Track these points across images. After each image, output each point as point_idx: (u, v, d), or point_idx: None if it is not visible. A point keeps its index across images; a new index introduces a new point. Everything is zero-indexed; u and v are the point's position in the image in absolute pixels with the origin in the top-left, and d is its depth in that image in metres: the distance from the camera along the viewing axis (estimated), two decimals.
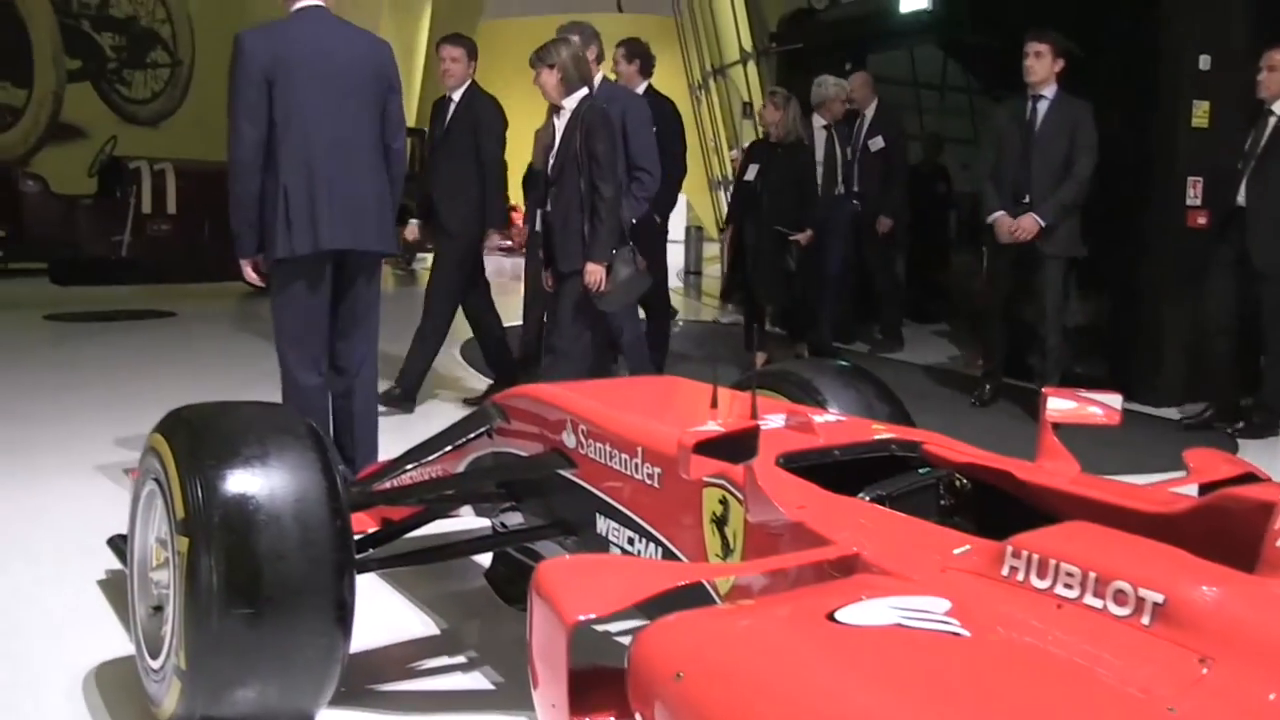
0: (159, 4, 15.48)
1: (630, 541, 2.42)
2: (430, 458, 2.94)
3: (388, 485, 2.95)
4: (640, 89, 6.60)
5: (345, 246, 4.11)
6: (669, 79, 22.75)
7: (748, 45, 12.64)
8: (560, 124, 4.78)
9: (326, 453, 2.45)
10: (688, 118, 19.85)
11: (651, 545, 2.36)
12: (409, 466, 2.93)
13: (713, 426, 1.87)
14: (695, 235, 17.01)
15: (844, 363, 3.49)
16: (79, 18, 14.55)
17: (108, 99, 14.98)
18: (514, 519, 2.90)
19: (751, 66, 12.47)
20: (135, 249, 10.99)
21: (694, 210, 25.88)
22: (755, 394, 2.15)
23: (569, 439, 2.62)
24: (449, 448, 2.92)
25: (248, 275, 4.25)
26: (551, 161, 4.80)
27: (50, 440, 5.43)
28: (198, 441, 2.38)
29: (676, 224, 23.42)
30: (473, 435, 2.91)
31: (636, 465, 2.38)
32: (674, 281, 16.03)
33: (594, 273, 4.67)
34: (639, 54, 6.73)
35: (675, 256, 19.20)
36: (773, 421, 2.37)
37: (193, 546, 2.24)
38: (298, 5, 4.11)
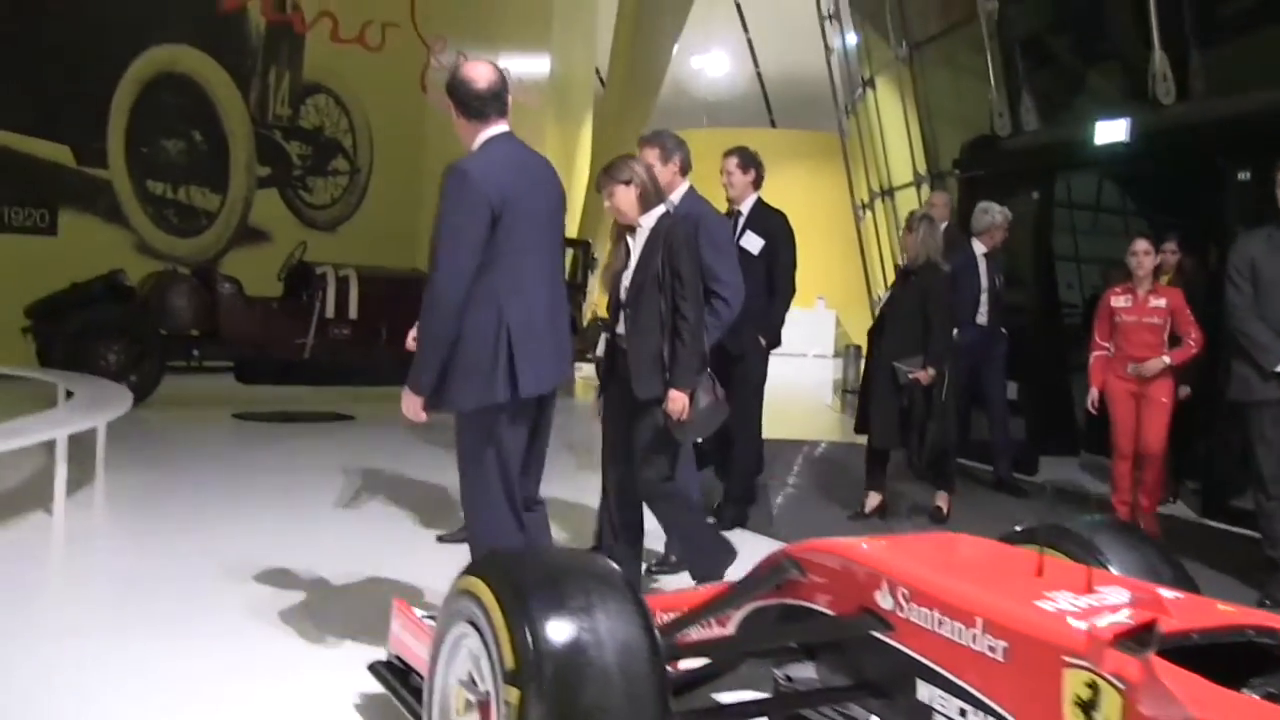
0: (343, 114, 16.13)
1: (962, 713, 2.33)
2: (721, 609, 2.89)
3: (690, 637, 2.91)
4: (750, 201, 6.33)
5: (562, 380, 4.00)
6: (825, 193, 23.02)
7: (921, 168, 12.61)
8: (637, 243, 4.48)
9: (643, 603, 2.42)
10: (848, 237, 19.99)
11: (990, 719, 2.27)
12: (703, 616, 2.89)
13: (1116, 618, 1.78)
14: (853, 354, 16.86)
15: (1113, 520, 3.37)
16: (273, 128, 15.23)
17: (291, 204, 15.59)
18: (802, 672, 2.83)
19: (926, 190, 12.43)
20: (317, 351, 11.33)
21: (842, 327, 25.94)
22: (1043, 554, 2.06)
23: (884, 600, 2.54)
24: (742, 600, 2.87)
25: (415, 413, 3.80)
26: (627, 283, 4.48)
27: (238, 544, 5.56)
28: (523, 589, 2.37)
29: (822, 339, 23.58)
30: (765, 588, 2.86)
31: (975, 636, 2.30)
32: (828, 400, 16.02)
33: (677, 400, 4.37)
34: (753, 164, 6.40)
35: (823, 374, 19.29)
36: (1112, 597, 2.28)
37: (524, 699, 2.23)
38: (492, 132, 3.83)
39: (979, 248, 7.96)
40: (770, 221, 6.30)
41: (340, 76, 16.02)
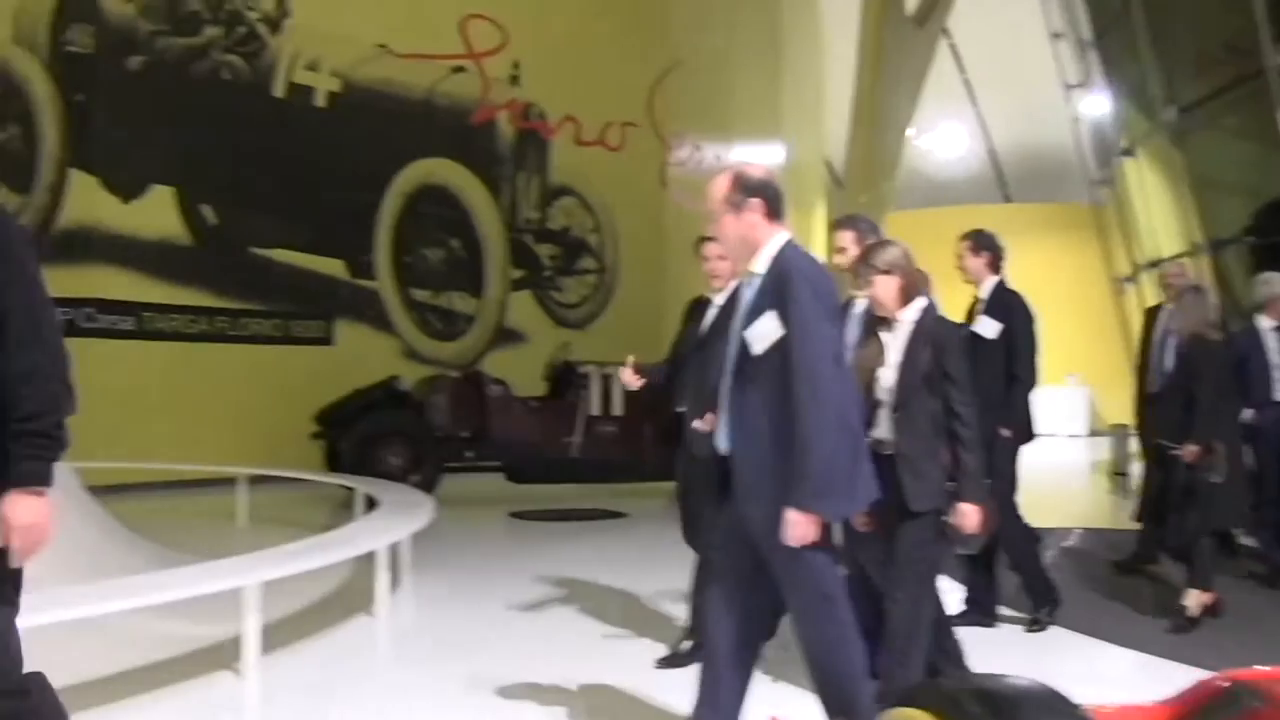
0: (588, 215, 16.52)
1: None
2: None
3: None
4: (989, 285, 5.92)
5: None
6: (1069, 266, 22.15)
7: (1199, 237, 12.00)
8: (897, 338, 4.14)
9: None
10: (1096, 310, 19.16)
11: None
12: None
13: None
14: (1121, 434, 16.07)
15: None
16: (524, 232, 15.71)
17: (544, 304, 16.00)
18: None
19: (1205, 260, 11.80)
20: (584, 449, 11.47)
21: (1096, 406, 24.85)
22: None
23: None
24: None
25: (809, 535, 3.38)
26: (890, 383, 4.12)
27: (548, 650, 5.54)
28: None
29: (1076, 418, 22.62)
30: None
31: None
32: (1087, 482, 15.30)
33: (968, 514, 4.01)
34: (988, 246, 5.98)
35: (1078, 454, 18.48)
36: None
37: None
38: (785, 235, 3.59)
39: (1266, 322, 7.42)
40: (1010, 305, 5.88)
41: (585, 178, 16.46)
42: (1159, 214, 13.45)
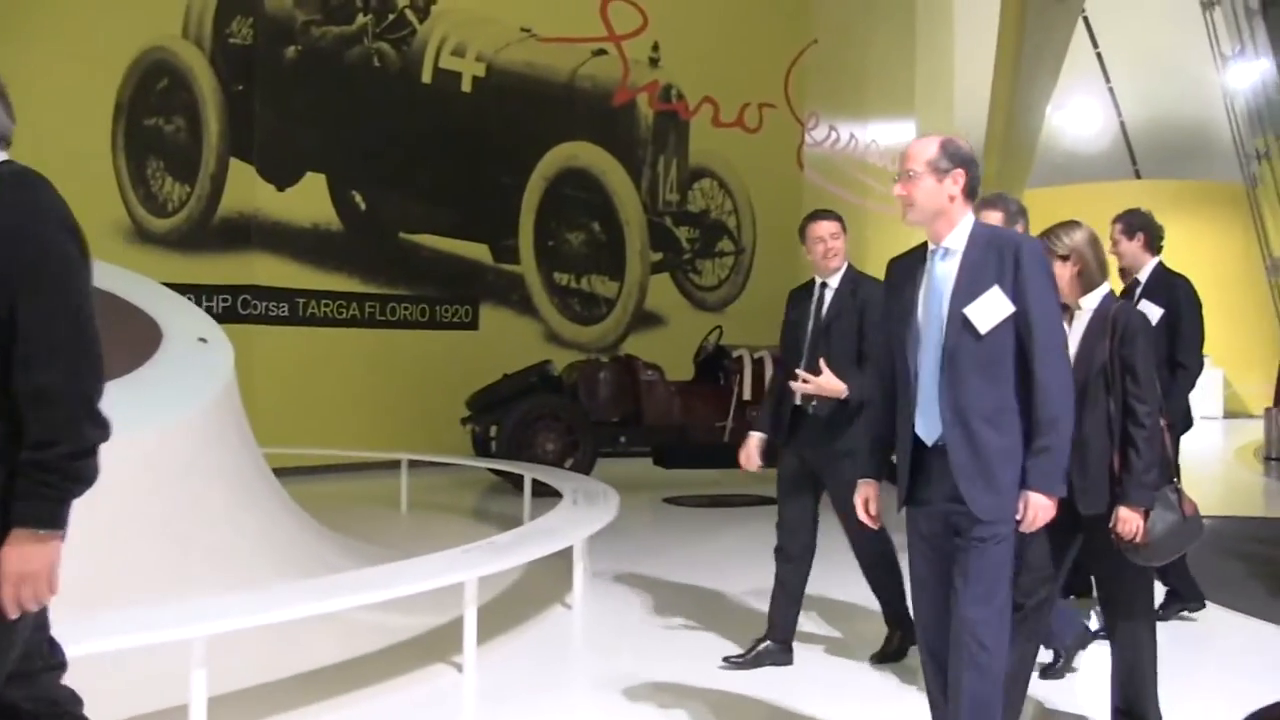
0: (726, 197, 16.40)
1: None
2: None
3: None
4: (1149, 268, 5.65)
5: None
6: (1203, 245, 21.50)
7: None
8: (1074, 329, 3.82)
9: None
10: (1232, 289, 18.52)
11: None
12: None
13: None
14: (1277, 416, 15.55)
15: None
16: (663, 215, 15.64)
17: (682, 287, 15.93)
18: None
19: None
20: (735, 434, 11.36)
21: (1232, 388, 24.11)
22: None
23: None
24: None
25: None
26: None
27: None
28: None
29: (1209, 400, 21.95)
30: None
31: None
32: (1257, 470, 14.79)
33: (1129, 521, 3.69)
34: (1142, 227, 5.68)
35: (1214, 438, 17.93)
36: None
37: None
38: (970, 214, 3.41)
39: None
40: (1173, 288, 5.59)
41: (722, 159, 16.33)
42: None
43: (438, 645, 5.19)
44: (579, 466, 10.67)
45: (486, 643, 5.20)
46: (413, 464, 10.16)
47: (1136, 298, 5.59)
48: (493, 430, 11.08)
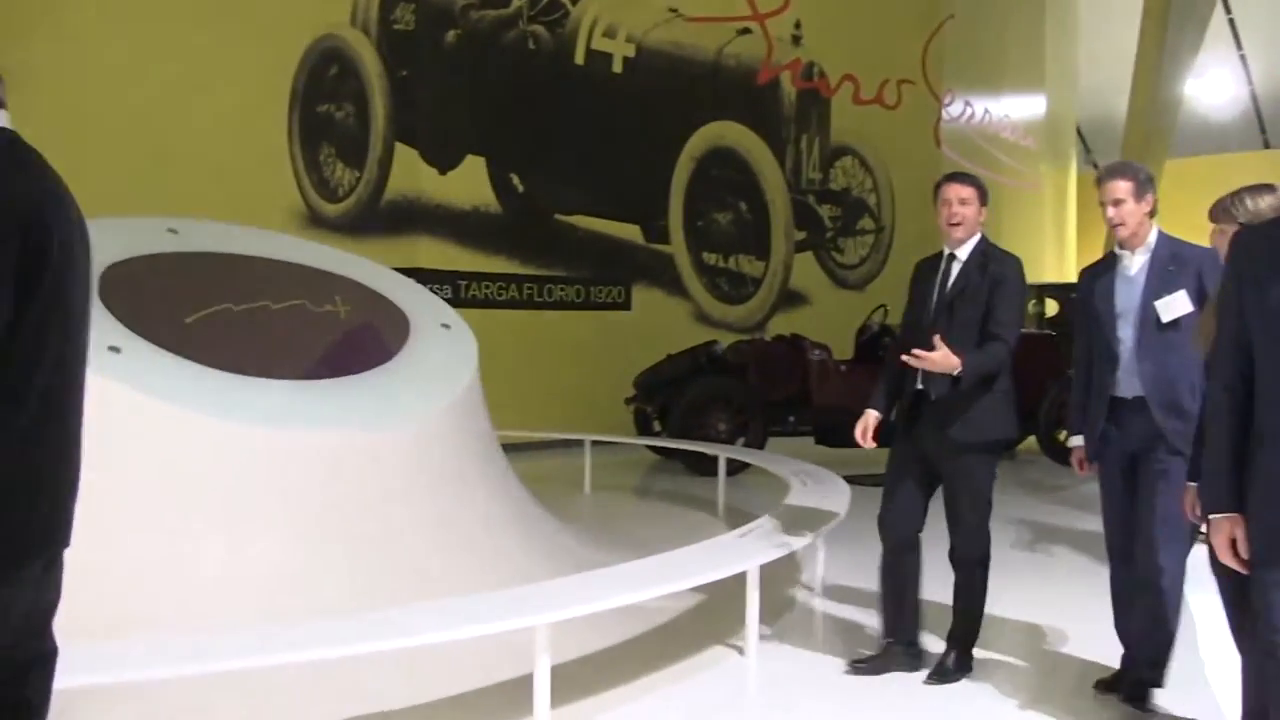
0: (867, 174, 16.29)
1: None
2: None
3: None
4: None
5: None
6: None
7: None
8: None
9: None
10: None
11: None
12: None
13: None
14: None
15: None
16: (806, 194, 15.56)
17: (824, 265, 15.86)
18: None
19: None
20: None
21: None
22: None
23: None
24: None
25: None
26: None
27: None
28: None
29: None
30: None
31: None
32: None
33: None
34: None
35: None
36: None
37: None
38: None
39: None
40: None
41: (863, 137, 16.22)
42: None
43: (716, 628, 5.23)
44: (751, 446, 10.68)
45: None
46: (567, 443, 10.17)
47: None
48: (651, 410, 11.15)
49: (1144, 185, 4.24)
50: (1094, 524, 5.89)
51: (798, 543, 5.34)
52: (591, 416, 11.71)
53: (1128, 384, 4.22)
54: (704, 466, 10.50)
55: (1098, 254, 18.94)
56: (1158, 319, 4.14)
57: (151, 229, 5.94)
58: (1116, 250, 4.33)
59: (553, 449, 11.09)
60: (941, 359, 4.28)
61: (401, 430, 5.12)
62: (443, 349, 6.01)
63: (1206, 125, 25.77)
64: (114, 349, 4.71)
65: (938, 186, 4.66)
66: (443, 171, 12.43)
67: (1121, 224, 4.22)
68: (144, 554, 4.37)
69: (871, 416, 4.73)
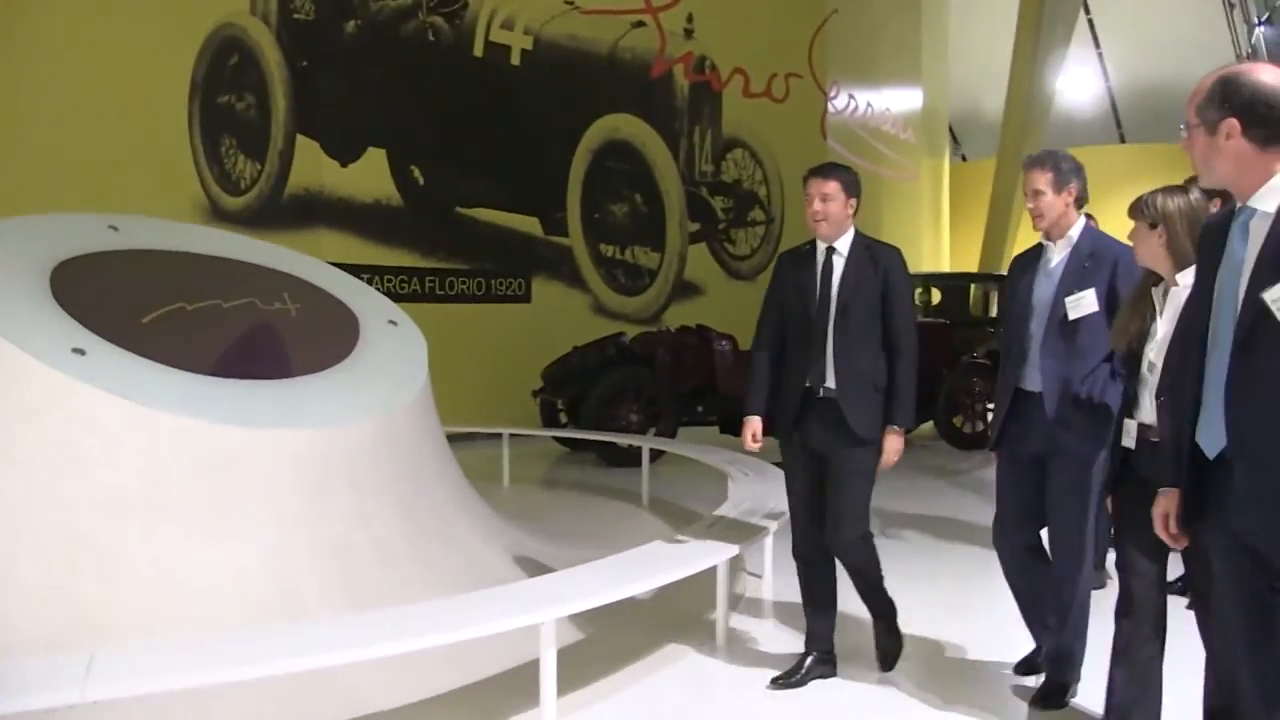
0: (757, 166, 16.58)
1: None
2: None
3: None
4: None
5: None
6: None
7: None
8: (1169, 304, 3.45)
9: None
10: None
11: None
12: None
13: None
14: None
15: None
16: (699, 185, 15.77)
17: (718, 257, 16.10)
18: None
19: None
20: None
21: None
22: None
23: None
24: None
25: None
26: (1154, 355, 3.45)
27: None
28: None
29: None
30: None
31: None
32: None
33: None
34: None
35: None
36: None
37: None
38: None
39: None
40: None
41: (753, 129, 16.49)
42: None
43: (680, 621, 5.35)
44: (662, 435, 10.83)
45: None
46: (473, 436, 10.17)
47: None
48: (561, 402, 11.23)
49: (1065, 176, 4.18)
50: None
51: (772, 525, 5.50)
52: (498, 409, 11.74)
53: (1031, 377, 4.21)
54: (617, 458, 10.65)
55: (973, 245, 19.55)
56: (1064, 316, 4.12)
57: (92, 226, 5.83)
58: (1043, 241, 4.31)
59: (463, 442, 11.05)
60: (897, 448, 4.34)
61: (371, 425, 5.13)
62: (394, 346, 6.01)
63: (1069, 120, 26.83)
64: (79, 351, 4.62)
65: (804, 180, 4.51)
66: (344, 164, 12.29)
67: (1040, 216, 4.21)
68: (128, 556, 4.32)
69: (755, 422, 4.53)
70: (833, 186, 4.41)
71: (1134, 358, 3.53)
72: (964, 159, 28.73)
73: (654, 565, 4.71)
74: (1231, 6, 19.80)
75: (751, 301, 13.55)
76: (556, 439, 11.36)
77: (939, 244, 23.40)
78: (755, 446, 4.54)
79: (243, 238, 6.80)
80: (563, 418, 11.45)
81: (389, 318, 6.32)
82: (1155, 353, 3.43)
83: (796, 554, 4.56)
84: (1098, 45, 26.98)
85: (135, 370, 4.67)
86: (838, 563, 4.52)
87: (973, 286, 14.27)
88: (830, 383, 4.31)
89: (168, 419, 4.47)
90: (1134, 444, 3.50)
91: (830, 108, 17.99)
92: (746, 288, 16.06)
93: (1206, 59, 24.64)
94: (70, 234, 5.57)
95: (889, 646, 4.71)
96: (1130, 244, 3.67)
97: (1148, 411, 3.45)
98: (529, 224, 13.99)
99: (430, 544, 5.24)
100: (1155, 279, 3.54)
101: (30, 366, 4.41)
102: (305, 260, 6.71)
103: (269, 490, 4.61)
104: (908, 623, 4.89)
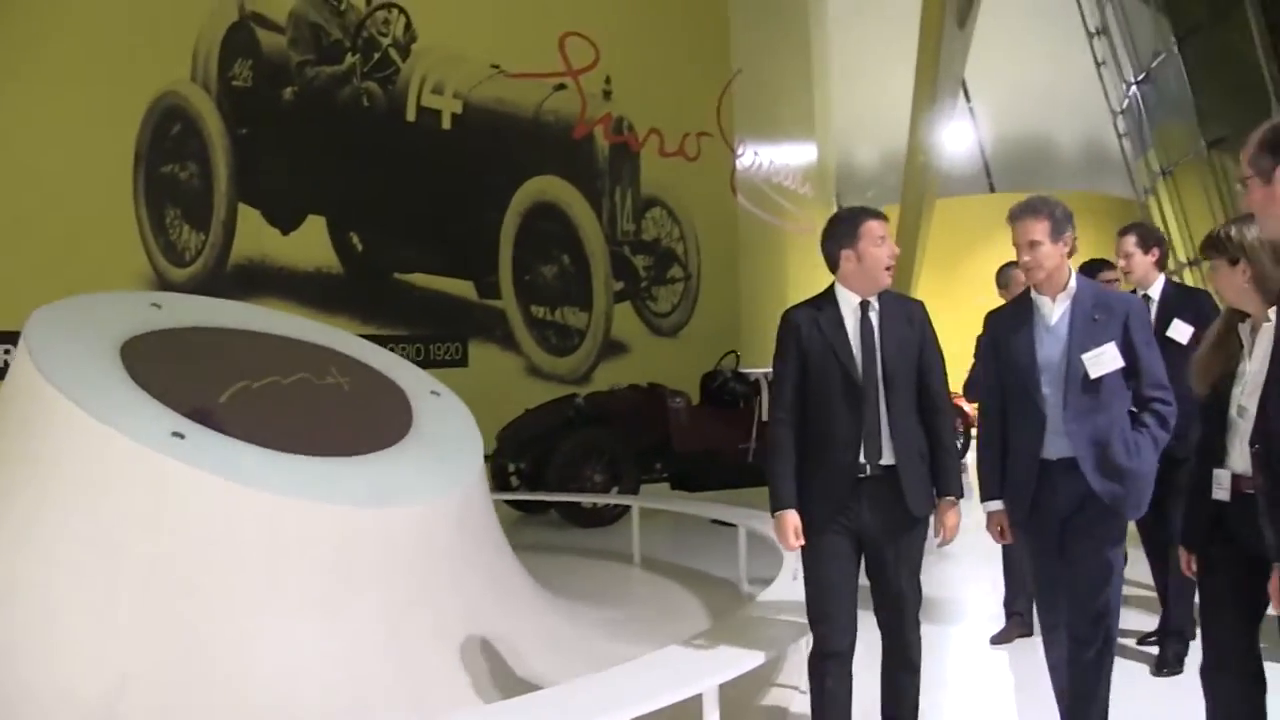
0: (674, 224, 16.84)
1: None
2: None
3: None
4: (1158, 285, 5.30)
5: None
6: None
7: None
8: (1260, 339, 3.19)
9: None
10: None
11: None
12: None
13: None
14: None
15: None
16: (622, 244, 15.96)
17: (641, 314, 16.27)
18: None
19: None
20: (759, 454, 11.78)
21: None
22: None
23: None
24: None
25: None
26: (1245, 392, 3.19)
27: None
28: None
29: None
30: None
31: None
32: None
33: None
34: (1157, 242, 5.34)
35: None
36: None
37: None
38: None
39: None
40: (1199, 304, 5.18)
41: (669, 188, 16.76)
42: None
43: None
44: (625, 493, 10.89)
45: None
46: None
47: (1155, 317, 5.10)
48: (513, 466, 11.18)
49: (1060, 224, 3.86)
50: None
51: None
52: None
53: (1055, 445, 3.84)
54: (584, 518, 10.66)
55: None
56: (1085, 375, 3.80)
57: (136, 304, 5.70)
58: (1033, 295, 3.95)
59: None
60: (957, 524, 3.91)
61: (458, 495, 5.12)
62: (447, 416, 6.00)
63: (946, 171, 27.91)
64: (178, 434, 4.52)
65: (859, 221, 3.92)
66: (285, 232, 12.11)
67: (1038, 268, 3.86)
68: (254, 650, 4.22)
69: (794, 517, 3.77)
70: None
71: (1219, 400, 3.26)
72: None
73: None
74: (1101, 63, 20.89)
75: (675, 358, 13.89)
76: (509, 502, 11.29)
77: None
78: (798, 545, 3.80)
79: (263, 310, 6.72)
80: (514, 480, 11.42)
81: (430, 389, 6.29)
82: (1246, 396, 3.15)
83: (832, 653, 3.84)
84: (969, 99, 28.18)
85: (236, 453, 4.59)
86: None
87: None
88: (888, 458, 3.80)
89: (281, 501, 4.40)
90: (1228, 496, 3.21)
91: (738, 165, 18.39)
92: (669, 344, 16.28)
93: (1075, 113, 26.02)
94: (119, 314, 5.44)
95: None
96: (1114, 282, 3.50)
97: (1239, 459, 3.17)
98: (464, 288, 13.96)
99: (519, 609, 5.23)
100: (1240, 315, 3.26)
101: (142, 455, 4.29)
102: (330, 331, 6.64)
103: (385, 567, 4.56)
104: None
